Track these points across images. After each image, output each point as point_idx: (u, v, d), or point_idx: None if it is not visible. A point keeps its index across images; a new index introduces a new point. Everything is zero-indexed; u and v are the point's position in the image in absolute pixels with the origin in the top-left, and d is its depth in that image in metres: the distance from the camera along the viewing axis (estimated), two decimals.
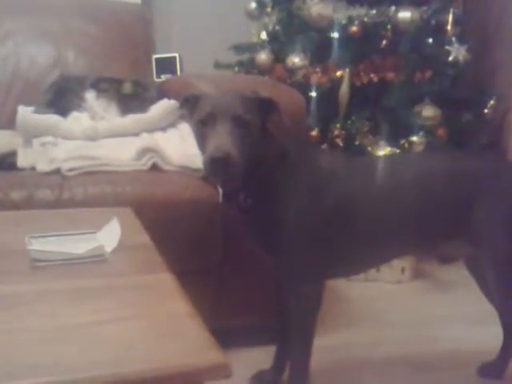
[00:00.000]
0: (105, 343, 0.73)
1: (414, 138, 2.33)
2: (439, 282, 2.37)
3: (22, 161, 1.64)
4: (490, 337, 1.65)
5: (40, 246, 1.02)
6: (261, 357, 1.63)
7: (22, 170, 1.61)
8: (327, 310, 1.42)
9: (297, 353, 1.43)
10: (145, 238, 1.12)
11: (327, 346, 1.69)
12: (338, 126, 2.34)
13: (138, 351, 0.71)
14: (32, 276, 0.95)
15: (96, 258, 1.00)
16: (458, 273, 1.71)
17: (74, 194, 1.48)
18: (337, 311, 2.05)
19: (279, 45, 2.50)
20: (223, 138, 1.20)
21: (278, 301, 1.52)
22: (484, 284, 1.56)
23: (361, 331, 1.95)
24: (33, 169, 1.59)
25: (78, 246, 1.01)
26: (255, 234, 1.39)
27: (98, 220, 1.13)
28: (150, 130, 1.82)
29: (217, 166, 1.19)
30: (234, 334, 1.57)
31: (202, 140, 1.26)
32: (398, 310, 2.12)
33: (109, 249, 1.03)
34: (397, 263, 2.30)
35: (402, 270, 2.36)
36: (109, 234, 1.08)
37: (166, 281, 0.94)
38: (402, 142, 2.34)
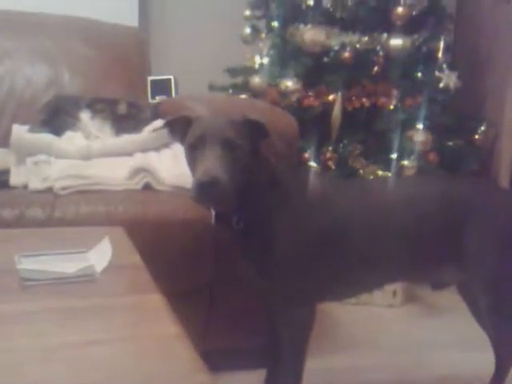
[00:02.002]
0: (93, 364, 0.72)
1: (406, 162, 2.35)
2: (431, 307, 2.37)
3: (15, 179, 1.64)
4: (483, 363, 1.64)
5: (30, 265, 1.01)
6: (251, 380, 1.62)
7: (15, 188, 1.61)
8: (318, 334, 1.41)
9: (287, 376, 1.42)
10: (136, 258, 1.12)
11: (318, 369, 1.68)
12: (331, 149, 2.36)
13: (126, 373, 0.71)
14: (21, 295, 0.94)
15: (86, 278, 0.99)
16: (450, 297, 1.71)
17: (66, 213, 1.48)
18: (328, 335, 2.04)
19: (273, 69, 2.53)
20: (212, 162, 1.20)
21: (269, 324, 1.51)
22: (476, 309, 1.56)
23: (352, 355, 1.94)
24: (25, 187, 1.59)
25: (68, 265, 1.00)
26: (247, 257, 1.39)
27: (90, 239, 1.13)
28: (144, 150, 1.82)
29: (205, 190, 1.20)
30: (224, 356, 1.56)
31: (192, 163, 1.27)
32: (389, 334, 2.12)
33: (99, 268, 1.03)
34: (388, 287, 2.29)
35: (394, 293, 2.36)
36: (100, 254, 1.07)
37: (155, 302, 0.93)
38: (394, 165, 2.36)
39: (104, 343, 0.78)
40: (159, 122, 1.88)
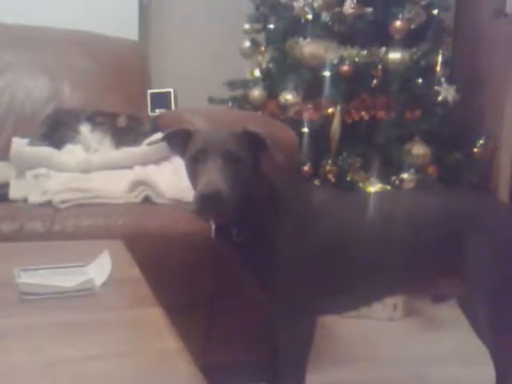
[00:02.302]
0: (93, 379, 0.72)
1: (405, 176, 2.36)
2: (431, 320, 2.36)
3: (15, 192, 1.64)
4: (483, 376, 1.63)
5: (29, 279, 1.01)
6: None
7: (14, 201, 1.61)
8: (318, 347, 1.41)
9: None
10: (135, 272, 1.12)
11: (318, 383, 1.67)
12: (330, 161, 2.36)
13: None
14: (21, 309, 0.94)
15: (85, 292, 0.99)
16: (451, 311, 1.71)
17: (66, 226, 1.48)
18: (328, 348, 2.03)
19: (272, 82, 2.54)
20: (214, 175, 1.20)
21: (269, 337, 1.50)
22: (476, 323, 1.55)
23: (352, 369, 1.92)
24: (25, 200, 1.59)
25: (67, 279, 1.00)
26: (247, 270, 1.39)
27: (89, 253, 1.13)
28: (144, 163, 1.83)
29: (207, 203, 1.19)
30: (224, 370, 1.55)
31: (193, 176, 1.26)
32: (389, 348, 2.11)
33: (98, 282, 1.02)
34: (388, 300, 2.29)
35: (394, 306, 2.35)
36: (99, 267, 1.07)
37: (155, 316, 0.93)
38: (393, 178, 2.37)
39: (104, 358, 0.78)
40: (159, 135, 1.89)
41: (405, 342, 2.17)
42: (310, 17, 2.47)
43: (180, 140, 1.33)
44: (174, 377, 0.75)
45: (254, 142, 1.29)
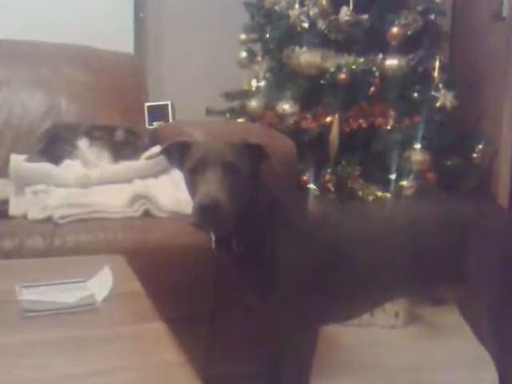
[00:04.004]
0: None
1: (404, 183, 2.36)
2: (434, 327, 2.36)
3: (14, 209, 1.63)
4: (485, 383, 1.63)
5: (31, 295, 1.01)
6: None
7: (14, 218, 1.61)
8: (320, 357, 1.40)
9: None
10: (136, 286, 1.11)
11: None
12: (329, 170, 2.36)
13: None
14: (22, 326, 0.94)
15: (87, 308, 0.99)
16: (452, 318, 1.70)
17: (66, 242, 1.47)
18: (330, 357, 2.02)
19: (269, 92, 2.55)
20: (213, 185, 1.21)
21: (272, 347, 1.50)
22: (477, 329, 1.55)
23: (355, 378, 1.92)
24: (24, 217, 1.58)
25: (68, 295, 1.00)
26: (248, 281, 1.38)
27: (90, 268, 1.12)
28: (142, 176, 1.83)
29: (206, 214, 1.20)
30: (227, 381, 1.54)
31: (192, 187, 1.27)
32: (392, 356, 2.10)
33: (100, 298, 1.02)
34: (390, 308, 2.28)
35: (396, 314, 2.34)
36: (100, 283, 1.07)
37: (157, 330, 0.92)
38: (393, 186, 2.36)
39: (107, 373, 0.78)
40: (157, 149, 1.89)
41: (407, 350, 2.17)
42: (305, 25, 2.47)
43: (179, 152, 1.33)
44: None
45: (252, 153, 1.29)
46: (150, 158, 1.70)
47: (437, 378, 1.91)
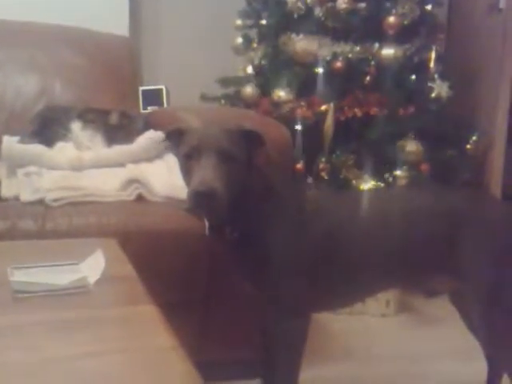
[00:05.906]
0: (87, 377, 0.72)
1: (398, 172, 2.36)
2: (424, 316, 2.37)
3: (6, 191, 1.62)
4: (476, 372, 1.64)
5: (22, 277, 1.00)
6: None
7: (6, 200, 1.60)
8: (312, 344, 1.41)
9: None
10: (129, 270, 1.11)
11: (312, 379, 1.67)
12: (323, 159, 2.36)
13: None
14: (13, 308, 0.94)
15: (79, 290, 0.98)
16: (444, 306, 1.71)
17: (58, 225, 1.47)
18: (322, 345, 2.03)
19: (265, 79, 2.53)
20: (208, 172, 1.20)
21: (264, 334, 1.50)
22: (469, 318, 1.56)
23: (346, 365, 1.93)
24: (16, 199, 1.58)
25: (60, 277, 1.00)
26: (242, 268, 1.38)
27: (82, 251, 1.12)
28: (136, 160, 1.82)
29: (201, 200, 1.19)
30: (219, 367, 1.55)
31: (187, 174, 1.26)
32: (383, 345, 2.11)
33: (92, 280, 1.02)
34: (381, 296, 2.29)
35: (387, 303, 2.35)
36: (92, 265, 1.06)
37: (149, 313, 0.92)
38: (386, 176, 2.37)
39: (98, 355, 0.77)
40: (151, 133, 1.88)
41: (398, 338, 2.18)
42: (302, 12, 2.46)
43: (174, 137, 1.33)
44: (168, 374, 0.74)
45: (248, 140, 1.28)
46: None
47: (427, 367, 1.92)
